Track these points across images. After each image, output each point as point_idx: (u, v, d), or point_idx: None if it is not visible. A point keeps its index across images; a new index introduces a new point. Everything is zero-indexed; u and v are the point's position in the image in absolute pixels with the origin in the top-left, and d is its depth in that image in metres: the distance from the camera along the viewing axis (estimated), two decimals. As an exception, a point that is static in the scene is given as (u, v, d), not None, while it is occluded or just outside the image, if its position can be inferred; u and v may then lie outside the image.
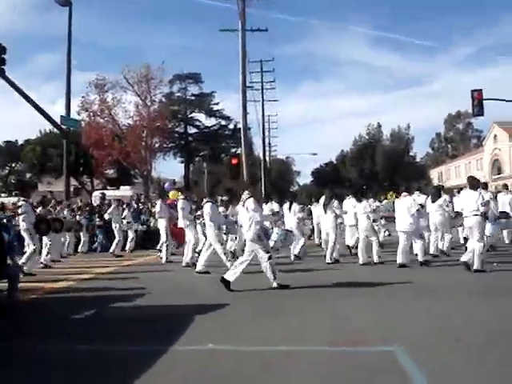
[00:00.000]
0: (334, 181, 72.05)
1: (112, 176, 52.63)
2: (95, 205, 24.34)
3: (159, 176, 52.97)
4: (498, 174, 64.12)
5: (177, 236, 16.25)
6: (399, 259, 12.33)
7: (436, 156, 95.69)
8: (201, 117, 64.27)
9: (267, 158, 57.59)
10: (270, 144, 59.71)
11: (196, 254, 13.66)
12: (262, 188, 49.55)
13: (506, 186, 19.03)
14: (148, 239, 20.97)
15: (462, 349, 5.39)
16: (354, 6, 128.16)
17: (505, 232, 16.82)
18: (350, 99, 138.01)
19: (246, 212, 9.75)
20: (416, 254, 12.48)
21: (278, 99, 53.73)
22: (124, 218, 18.71)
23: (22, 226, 12.91)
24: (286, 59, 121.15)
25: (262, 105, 50.48)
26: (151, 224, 21.68)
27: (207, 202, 12.69)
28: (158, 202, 16.08)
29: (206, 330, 6.51)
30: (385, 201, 25.72)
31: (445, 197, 14.75)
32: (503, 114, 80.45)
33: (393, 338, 5.83)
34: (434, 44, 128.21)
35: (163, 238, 15.35)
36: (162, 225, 15.46)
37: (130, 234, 18.90)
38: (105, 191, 32.68)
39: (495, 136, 65.95)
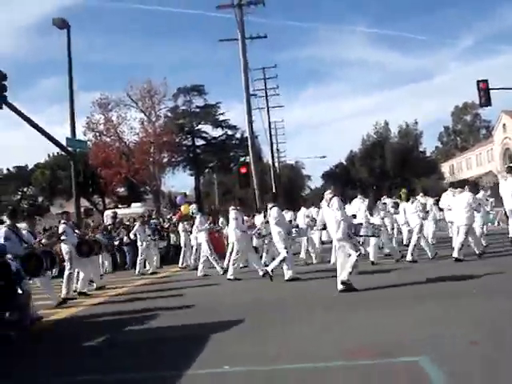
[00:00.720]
0: (345, 182, 71.70)
1: (123, 194, 52.68)
2: (107, 224, 24.36)
3: (170, 190, 53.01)
4: (511, 163, 63.49)
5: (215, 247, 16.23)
6: (455, 253, 12.63)
7: (446, 150, 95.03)
8: (207, 128, 64.10)
9: (276, 165, 57.42)
10: (278, 150, 59.57)
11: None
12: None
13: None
14: (168, 254, 21.35)
15: (494, 356, 5.09)
16: (352, 6, 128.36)
17: None
18: (356, 99, 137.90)
19: (332, 211, 9.82)
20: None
21: (283, 105, 53.76)
22: (149, 236, 18.75)
23: (64, 248, 13.01)
24: (289, 64, 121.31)
25: (268, 112, 50.41)
26: (172, 240, 22.00)
27: (273, 206, 12.75)
28: (198, 216, 16.14)
29: (222, 350, 6.27)
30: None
31: (483, 192, 14.84)
32: (510, 102, 79.93)
33: (419, 346, 5.56)
34: (435, 38, 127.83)
35: (206, 251, 15.22)
36: (202, 238, 15.50)
37: (153, 252, 18.85)
38: (116, 210, 32.64)
39: (504, 125, 65.33)
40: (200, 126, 64.06)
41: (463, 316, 6.85)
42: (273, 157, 53.26)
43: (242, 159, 56.55)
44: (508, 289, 8.53)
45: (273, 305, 9.15)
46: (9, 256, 8.92)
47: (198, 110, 63.37)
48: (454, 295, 8.36)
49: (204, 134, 64.56)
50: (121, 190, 50.87)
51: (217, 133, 64.45)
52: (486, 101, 27.80)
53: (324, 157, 76.29)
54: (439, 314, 7.08)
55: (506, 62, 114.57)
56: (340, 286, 9.55)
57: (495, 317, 6.63)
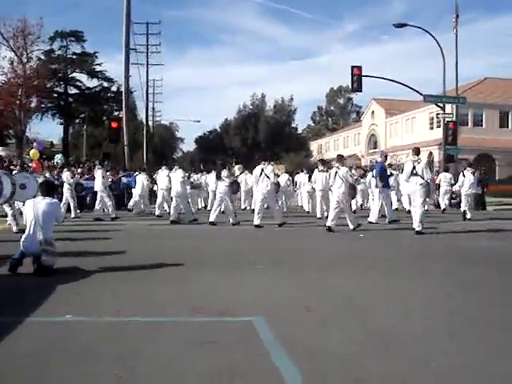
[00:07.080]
0: (218, 149, 72.45)
1: (-17, 136, 49.70)
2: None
3: (36, 137, 50.70)
4: (374, 148, 67.32)
5: None
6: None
7: (317, 129, 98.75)
8: (82, 77, 61.78)
9: (150, 123, 56.79)
10: (153, 109, 58.90)
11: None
12: (144, 153, 48.98)
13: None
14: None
15: (317, 316, 5.50)
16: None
17: None
18: (237, 68, 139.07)
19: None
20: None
21: (164, 64, 52.87)
22: None
23: None
24: (174, 23, 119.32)
25: (147, 68, 49.90)
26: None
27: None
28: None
29: (69, 299, 6.30)
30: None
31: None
32: (382, 91, 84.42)
33: (255, 308, 5.91)
34: (323, 18, 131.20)
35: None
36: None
37: None
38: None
39: (373, 112, 68.94)
40: (75, 74, 61.70)
41: (305, 282, 7.34)
42: (147, 114, 52.66)
43: (115, 114, 55.40)
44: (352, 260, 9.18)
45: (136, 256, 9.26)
46: None
47: (74, 56, 60.84)
48: (303, 265, 8.91)
49: (78, 83, 62.26)
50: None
51: (92, 83, 62.45)
52: (357, 86, 29.37)
53: (198, 121, 76.60)
54: (283, 280, 7.52)
55: (386, 51, 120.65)
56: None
57: (335, 284, 7.18)
